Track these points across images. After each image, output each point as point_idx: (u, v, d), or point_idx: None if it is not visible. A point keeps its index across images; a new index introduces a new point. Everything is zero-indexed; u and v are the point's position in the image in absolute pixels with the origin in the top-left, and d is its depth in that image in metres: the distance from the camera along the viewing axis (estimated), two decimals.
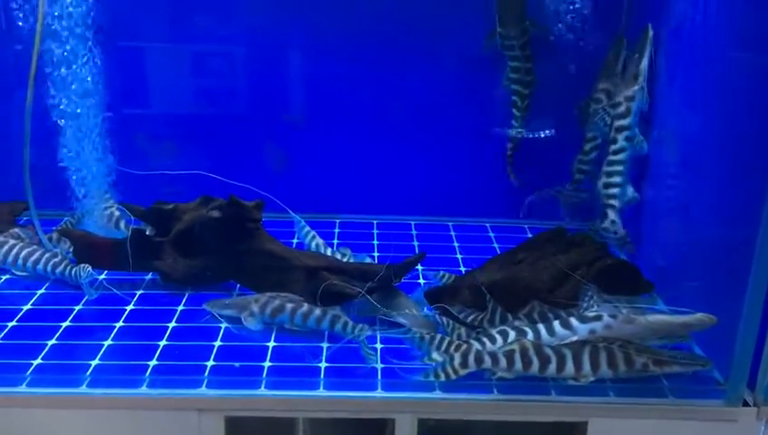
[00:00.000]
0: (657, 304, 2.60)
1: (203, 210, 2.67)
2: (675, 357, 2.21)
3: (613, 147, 2.88)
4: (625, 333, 2.18)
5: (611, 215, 2.89)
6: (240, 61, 3.28)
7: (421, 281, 2.80)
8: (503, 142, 3.31)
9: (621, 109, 2.83)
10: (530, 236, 3.15)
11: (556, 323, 2.23)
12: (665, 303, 2.61)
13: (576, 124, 3.15)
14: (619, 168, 2.88)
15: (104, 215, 2.96)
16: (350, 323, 2.36)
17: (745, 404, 2.16)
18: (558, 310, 2.32)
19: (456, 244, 3.21)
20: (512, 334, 2.24)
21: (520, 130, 3.24)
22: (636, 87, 2.78)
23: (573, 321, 2.22)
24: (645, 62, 2.75)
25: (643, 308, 2.28)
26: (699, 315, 2.18)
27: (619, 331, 2.18)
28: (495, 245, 3.21)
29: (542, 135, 3.29)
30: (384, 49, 3.19)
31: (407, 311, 2.49)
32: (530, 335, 2.22)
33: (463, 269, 2.88)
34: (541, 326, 2.24)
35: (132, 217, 2.80)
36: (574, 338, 2.18)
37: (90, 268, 2.60)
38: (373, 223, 3.39)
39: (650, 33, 2.75)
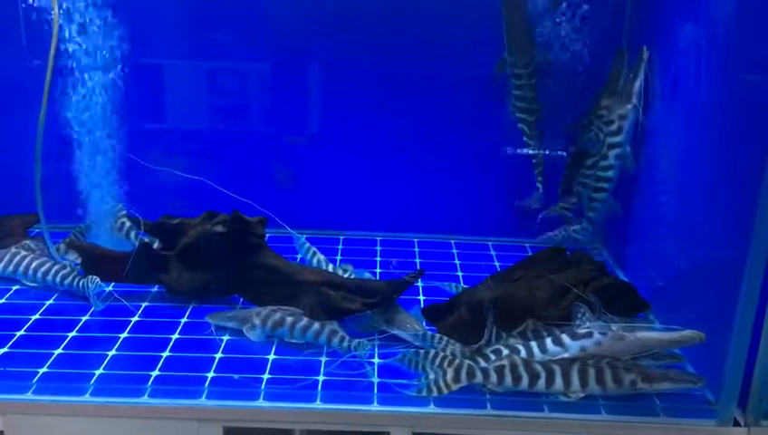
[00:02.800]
0: (654, 324, 2.63)
1: (207, 225, 2.72)
2: (665, 374, 2.23)
3: (603, 163, 2.96)
4: (616, 350, 2.21)
5: (585, 224, 3.15)
6: (249, 80, 3.35)
7: (421, 297, 2.84)
8: (506, 162, 3.35)
9: (614, 127, 2.90)
10: (530, 254, 3.19)
11: (548, 341, 2.26)
12: (661, 322, 2.62)
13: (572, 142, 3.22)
14: (605, 184, 2.98)
15: (116, 225, 3.03)
16: (347, 338, 2.41)
17: (736, 424, 2.18)
18: (552, 328, 2.35)
19: (457, 261, 3.25)
20: (505, 353, 2.26)
21: (538, 150, 3.27)
22: (629, 106, 2.84)
23: (565, 338, 2.25)
24: (638, 84, 2.82)
25: (634, 326, 2.31)
26: (687, 332, 2.22)
27: (610, 347, 2.21)
28: (496, 263, 3.24)
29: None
30: (390, 70, 3.25)
31: (408, 326, 2.53)
32: (522, 353, 2.25)
33: (463, 286, 2.92)
34: (533, 344, 2.27)
35: (140, 230, 2.87)
36: (566, 355, 2.21)
37: (98, 280, 2.66)
38: (377, 240, 3.44)
39: (645, 55, 2.81)
